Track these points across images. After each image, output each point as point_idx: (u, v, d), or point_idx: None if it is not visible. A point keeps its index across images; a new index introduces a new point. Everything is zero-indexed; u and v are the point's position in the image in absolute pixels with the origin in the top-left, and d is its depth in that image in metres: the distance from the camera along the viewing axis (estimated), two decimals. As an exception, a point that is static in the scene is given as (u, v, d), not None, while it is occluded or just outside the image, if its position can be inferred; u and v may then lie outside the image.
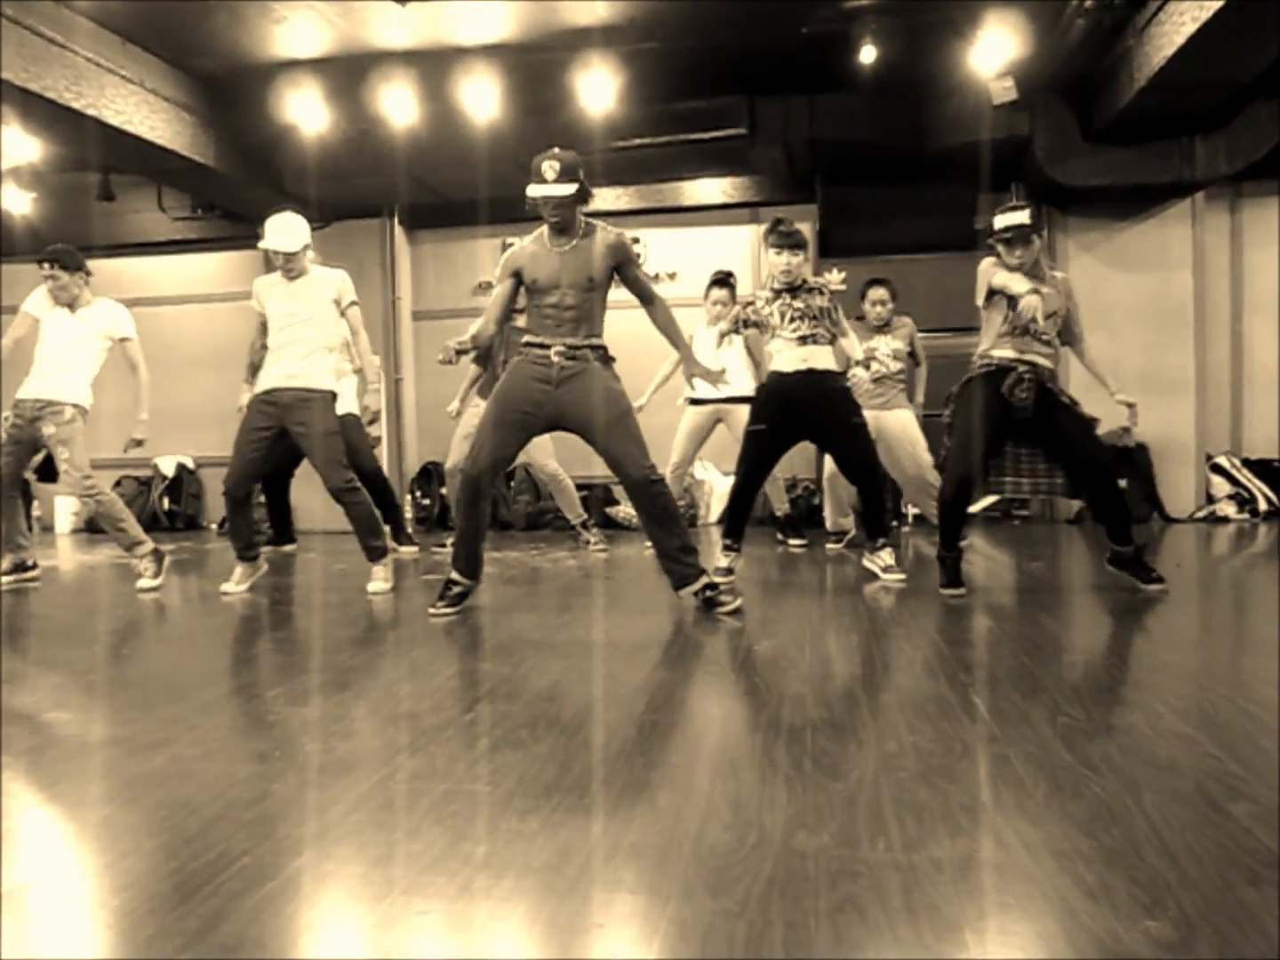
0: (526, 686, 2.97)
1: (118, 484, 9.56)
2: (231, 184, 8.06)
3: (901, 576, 4.75)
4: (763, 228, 4.81)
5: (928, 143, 7.57)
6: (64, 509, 9.60)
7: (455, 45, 6.95)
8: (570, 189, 3.91)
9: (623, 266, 4.11)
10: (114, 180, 8.72)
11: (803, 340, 4.72)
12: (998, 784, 2.00)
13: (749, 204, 8.76)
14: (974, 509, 8.17)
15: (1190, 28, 5.43)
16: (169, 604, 5.00)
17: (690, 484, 8.55)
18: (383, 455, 9.05)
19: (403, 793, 2.06)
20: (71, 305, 5.36)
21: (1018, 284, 4.18)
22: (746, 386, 6.09)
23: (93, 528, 9.38)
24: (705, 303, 6.40)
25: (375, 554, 4.98)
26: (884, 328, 6.10)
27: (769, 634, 3.83)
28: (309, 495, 9.46)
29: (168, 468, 9.50)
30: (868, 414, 5.83)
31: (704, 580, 4.09)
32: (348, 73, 7.24)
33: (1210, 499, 7.96)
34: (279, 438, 4.85)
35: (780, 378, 4.77)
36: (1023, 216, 4.31)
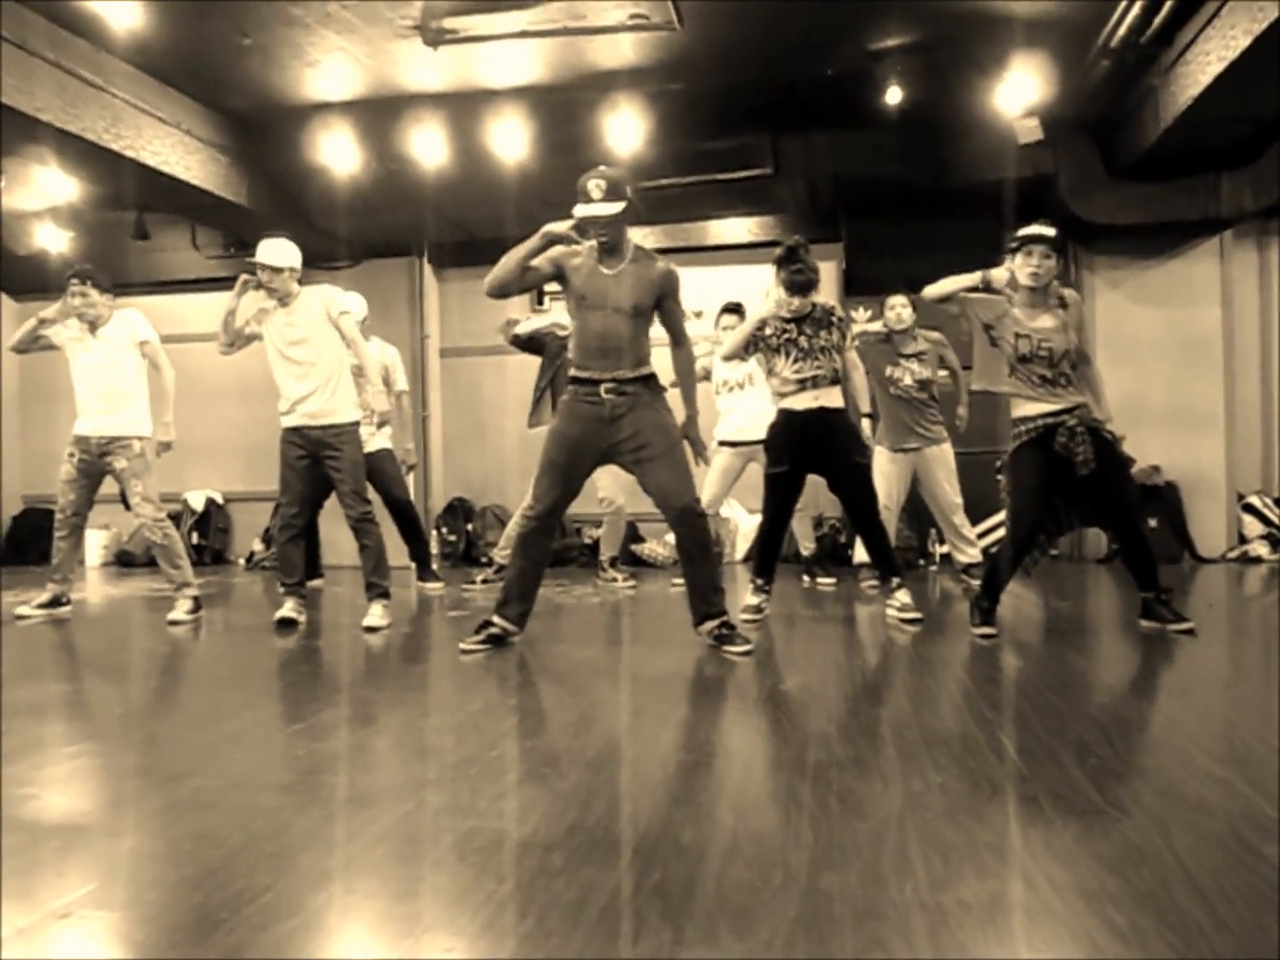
0: (551, 722, 2.96)
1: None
2: (263, 222, 8.18)
3: (918, 615, 4.64)
4: (777, 254, 4.73)
5: (952, 179, 7.60)
6: (94, 542, 9.68)
7: (484, 87, 7.05)
8: (616, 207, 3.87)
9: (666, 299, 4.07)
10: (149, 218, 8.87)
11: (802, 384, 4.66)
12: (1026, 824, 1.98)
13: (774, 243, 8.73)
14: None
15: (1217, 67, 5.44)
16: (196, 637, 5.03)
17: (717, 523, 8.56)
18: (408, 489, 9.12)
19: (426, 828, 2.06)
20: (94, 326, 5.38)
21: (968, 278, 4.24)
22: None
23: (122, 560, 9.47)
24: (716, 330, 6.42)
25: (377, 591, 5.01)
26: (906, 334, 5.90)
27: (794, 671, 3.82)
28: (336, 529, 9.54)
29: (197, 502, 9.58)
30: (899, 458, 5.87)
31: (722, 619, 4.06)
32: (378, 113, 7.36)
33: (1242, 539, 7.86)
34: (316, 464, 4.96)
35: (791, 416, 4.71)
36: (1044, 229, 4.23)
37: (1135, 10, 5.66)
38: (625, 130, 7.14)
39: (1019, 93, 6.70)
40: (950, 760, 2.42)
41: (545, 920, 1.59)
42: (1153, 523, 7.29)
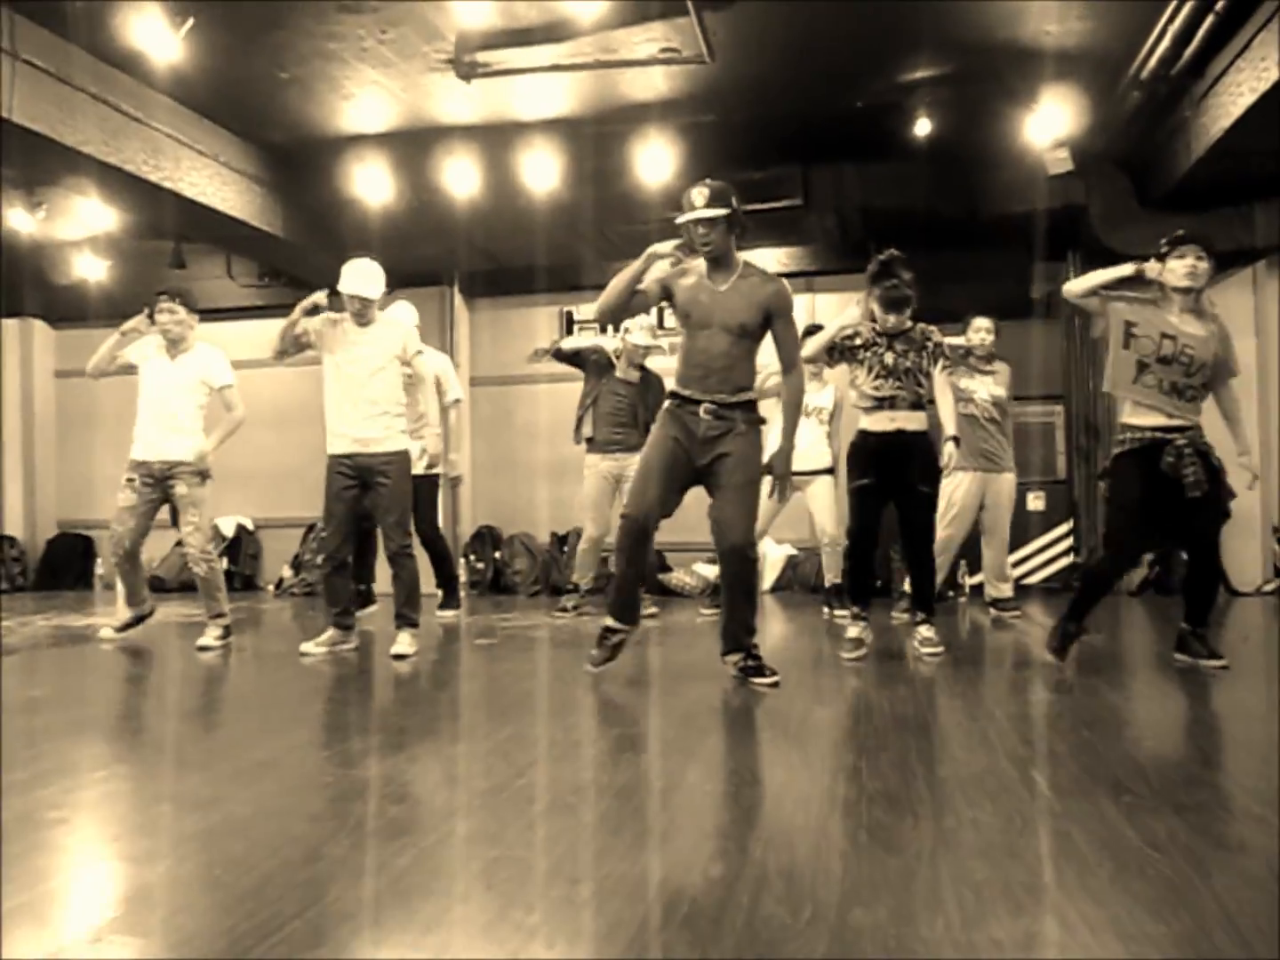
0: (578, 751, 2.95)
1: (178, 544, 9.73)
2: (297, 252, 8.31)
3: (940, 650, 4.52)
4: (870, 269, 4.53)
5: (982, 211, 7.60)
6: (126, 567, 9.78)
7: (516, 120, 7.14)
8: (721, 210, 3.80)
9: (776, 318, 3.93)
10: (185, 248, 9.02)
11: (880, 403, 4.53)
12: (1060, 862, 1.95)
13: (804, 273, 8.81)
14: (1030, 579, 8.06)
15: (1249, 98, 5.43)
16: (227, 663, 5.05)
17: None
18: (438, 518, 9.16)
19: (454, 857, 2.05)
20: (174, 347, 5.35)
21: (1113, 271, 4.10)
22: (824, 459, 6.18)
23: (153, 586, 9.52)
24: None
25: (407, 622, 4.93)
26: (988, 361, 5.92)
27: (823, 703, 3.79)
28: (379, 553, 9.58)
29: (228, 528, 9.66)
30: (975, 478, 5.76)
31: (750, 651, 3.99)
32: (412, 145, 7.47)
33: (1277, 571, 7.75)
34: (363, 493, 4.90)
35: (868, 436, 4.60)
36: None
37: (1166, 42, 5.66)
38: (656, 162, 7.20)
39: (1049, 124, 6.71)
40: (982, 795, 2.39)
41: (573, 952, 1.58)
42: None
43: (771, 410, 4.36)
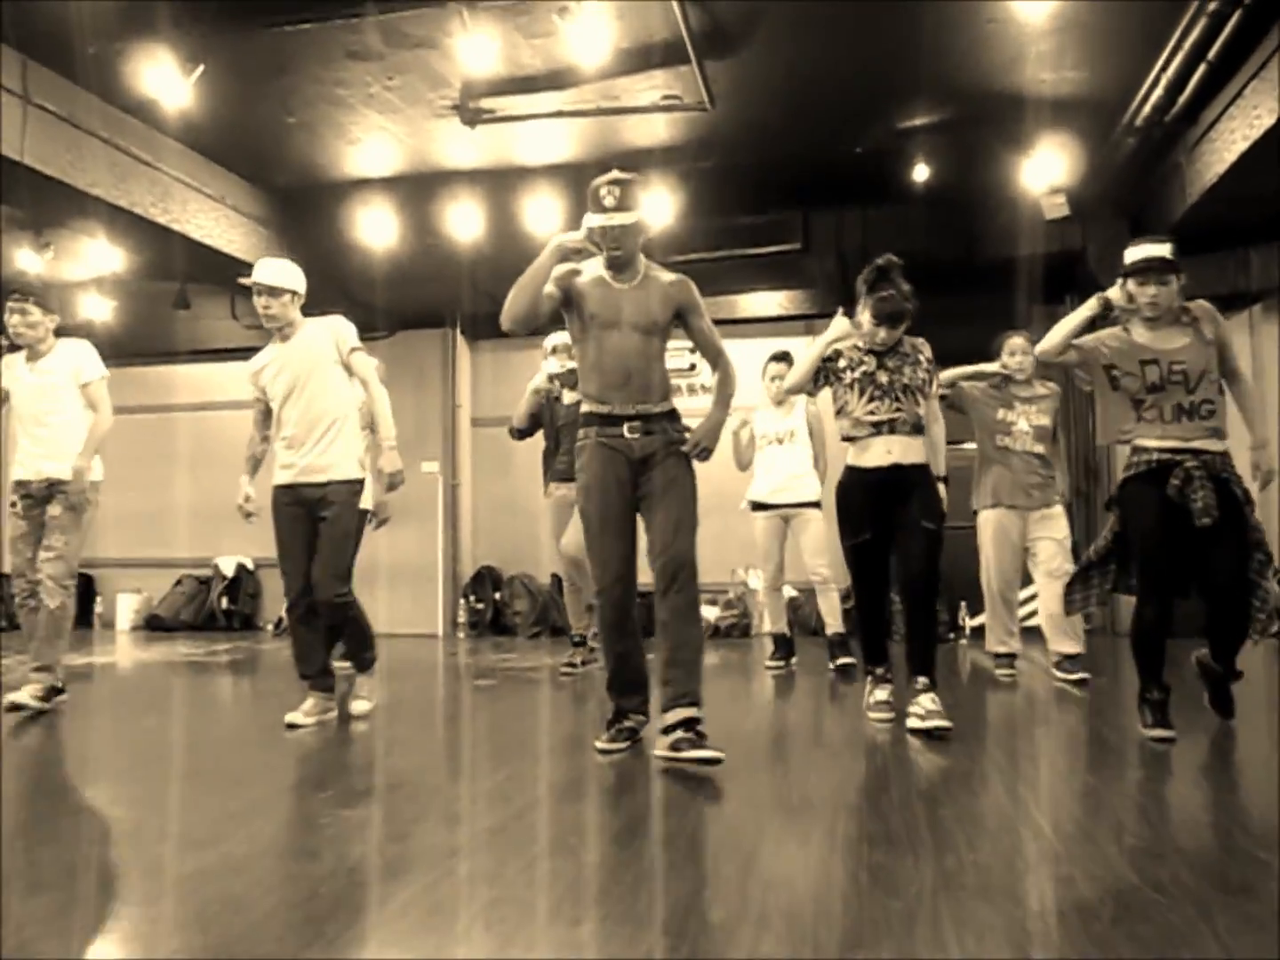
0: (578, 792, 2.94)
1: (178, 583, 9.75)
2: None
3: (948, 725, 3.67)
4: (865, 275, 4.00)
5: (980, 254, 7.69)
6: (125, 606, 9.77)
7: (520, 165, 7.24)
8: (632, 218, 3.42)
9: (690, 312, 3.56)
10: (190, 289, 9.10)
11: (876, 428, 3.87)
12: (1062, 904, 1.94)
13: (803, 316, 8.89)
14: (1032, 620, 7.99)
15: (1242, 145, 5.52)
16: (224, 703, 5.04)
17: (744, 593, 8.48)
18: (438, 557, 9.17)
19: (452, 897, 2.04)
20: (33, 352, 4.65)
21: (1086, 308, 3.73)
22: (813, 490, 5.76)
23: (152, 625, 9.53)
24: (764, 381, 5.93)
25: (362, 667, 4.41)
26: (1026, 385, 5.20)
27: (823, 745, 3.77)
28: (363, 595, 9.58)
29: (228, 568, 9.66)
30: (1005, 515, 5.10)
31: (693, 714, 3.29)
32: (416, 189, 7.57)
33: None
34: (316, 527, 4.15)
35: (859, 475, 3.92)
36: (1161, 249, 3.64)
37: (1159, 90, 5.76)
38: (658, 206, 7.28)
39: (1045, 170, 6.81)
40: (983, 837, 2.38)
41: (572, 993, 1.57)
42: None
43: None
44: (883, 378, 3.91)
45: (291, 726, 4.04)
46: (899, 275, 3.94)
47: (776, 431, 5.85)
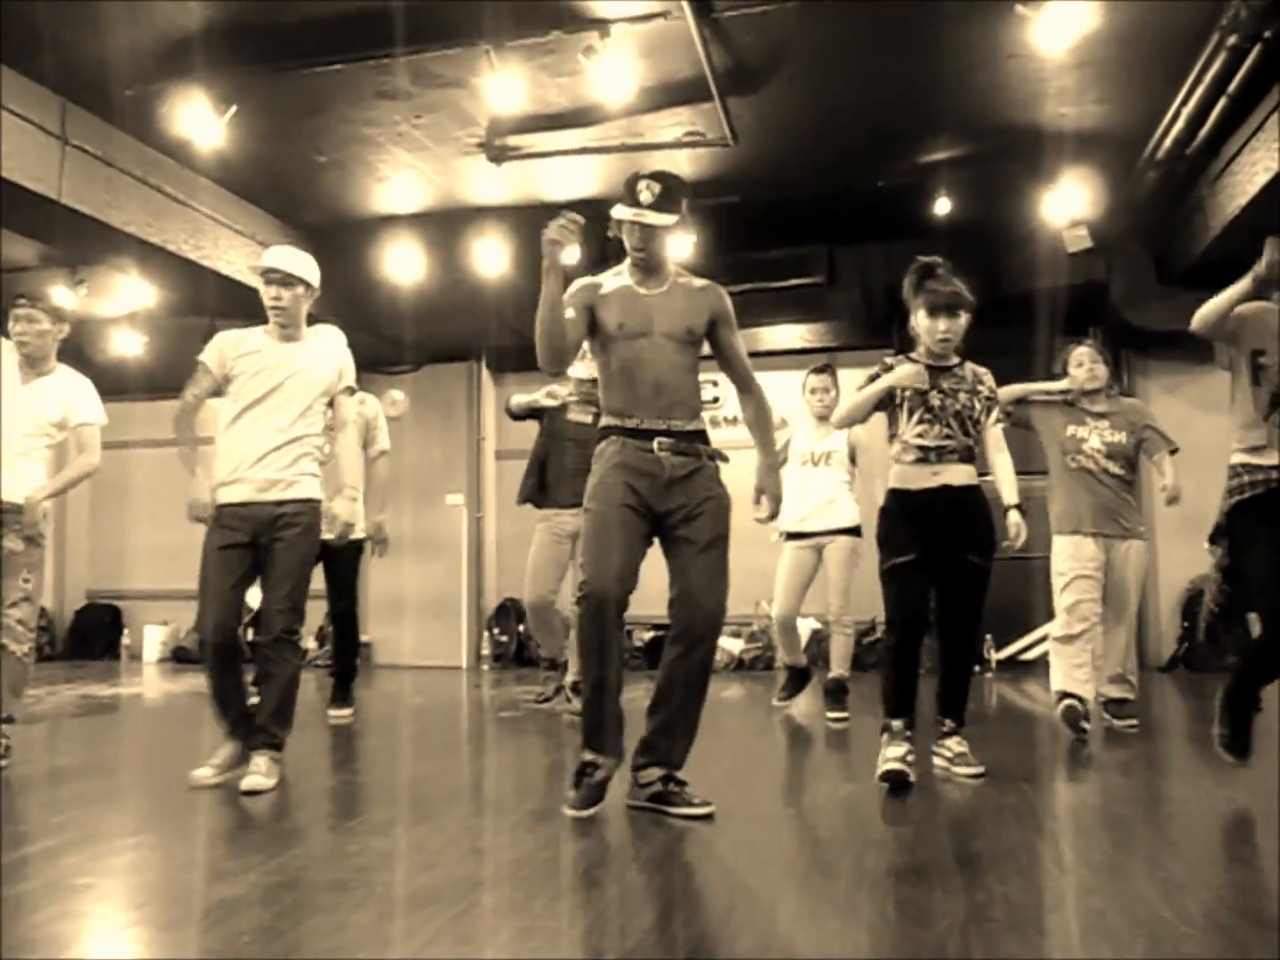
0: (604, 825, 2.93)
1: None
2: (330, 328, 8.50)
3: (979, 771, 3.53)
4: (909, 278, 3.76)
5: (1003, 288, 7.69)
6: (152, 638, 9.84)
7: (546, 200, 7.33)
8: (665, 220, 3.09)
9: (722, 325, 3.23)
10: (220, 324, 9.21)
11: (924, 453, 3.56)
12: (1093, 938, 1.92)
13: (828, 349, 8.91)
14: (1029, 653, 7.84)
15: (1264, 177, 5.52)
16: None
17: (767, 625, 8.44)
18: (462, 590, 9.20)
19: (480, 928, 2.04)
20: (31, 366, 4.05)
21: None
22: (849, 515, 5.28)
23: (179, 656, 9.58)
24: (803, 394, 5.50)
25: (268, 742, 3.55)
26: (1099, 393, 4.66)
27: (850, 777, 3.75)
28: (388, 627, 9.63)
29: (254, 600, 9.69)
30: (1083, 542, 4.50)
31: (673, 771, 3.12)
32: (443, 225, 7.68)
33: None
34: (255, 554, 3.62)
35: (905, 497, 3.59)
36: None
37: (1180, 123, 5.79)
38: (683, 240, 7.34)
39: (1067, 203, 6.82)
40: (1013, 870, 2.36)
41: (601, 1023, 1.57)
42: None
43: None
44: (935, 400, 3.59)
45: (251, 794, 3.36)
46: (947, 272, 3.71)
47: (813, 451, 5.38)
